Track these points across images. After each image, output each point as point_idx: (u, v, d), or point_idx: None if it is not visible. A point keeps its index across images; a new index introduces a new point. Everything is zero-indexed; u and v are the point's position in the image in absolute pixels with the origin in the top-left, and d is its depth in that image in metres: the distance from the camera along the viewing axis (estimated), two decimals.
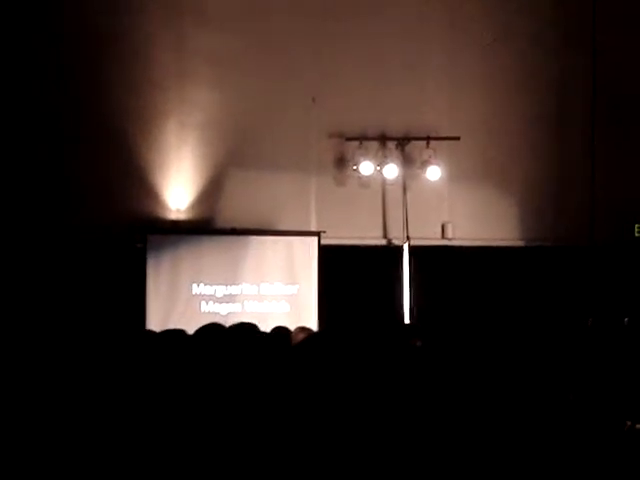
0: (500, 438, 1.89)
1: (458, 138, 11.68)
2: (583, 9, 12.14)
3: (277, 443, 2.19)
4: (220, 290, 11.04)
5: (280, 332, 5.56)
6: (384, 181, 11.80)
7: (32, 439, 3.36)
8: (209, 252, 11.08)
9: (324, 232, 11.40)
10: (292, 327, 6.57)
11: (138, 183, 11.32)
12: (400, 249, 11.66)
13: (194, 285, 10.98)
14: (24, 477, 3.12)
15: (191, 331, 4.73)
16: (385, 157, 11.70)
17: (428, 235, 11.85)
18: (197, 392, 3.44)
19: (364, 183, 11.83)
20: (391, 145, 11.77)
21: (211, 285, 11.02)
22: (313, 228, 11.66)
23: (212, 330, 4.15)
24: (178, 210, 11.49)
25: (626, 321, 10.27)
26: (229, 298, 11.03)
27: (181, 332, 4.57)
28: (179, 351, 4.06)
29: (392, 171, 11.62)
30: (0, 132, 11.03)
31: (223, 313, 10.76)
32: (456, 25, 11.96)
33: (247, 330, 4.15)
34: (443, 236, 12.04)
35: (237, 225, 11.34)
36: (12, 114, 11.06)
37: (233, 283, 11.06)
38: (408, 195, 11.76)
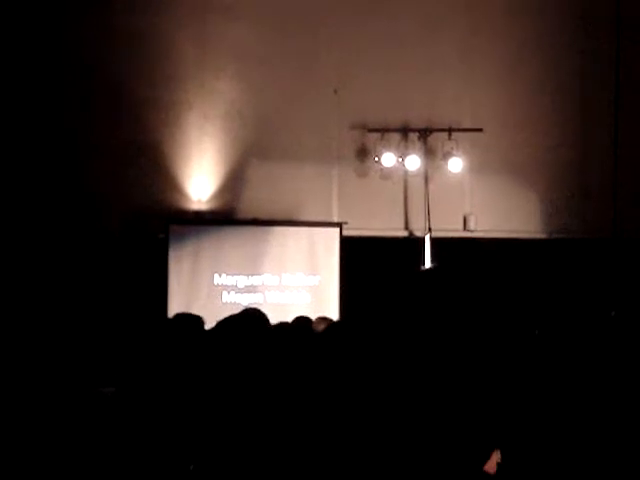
0: (516, 428, 1.90)
1: (481, 130, 11.63)
2: None
3: (297, 429, 2.20)
4: (242, 281, 11.07)
5: (301, 322, 5.57)
6: (406, 172, 11.78)
7: (49, 417, 3.39)
8: (231, 242, 11.11)
9: (346, 223, 11.40)
10: (313, 318, 6.58)
11: (160, 174, 11.37)
12: (422, 241, 11.63)
13: (216, 275, 11.02)
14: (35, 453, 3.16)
15: (212, 321, 4.75)
16: (407, 148, 11.67)
17: (450, 227, 11.82)
18: (216, 382, 3.45)
19: (386, 174, 11.81)
20: (413, 136, 11.73)
21: (233, 275, 11.05)
22: (335, 219, 11.66)
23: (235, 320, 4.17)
24: (200, 201, 11.52)
25: None
26: (251, 288, 11.06)
27: (197, 319, 4.58)
28: (197, 339, 4.08)
29: (414, 163, 11.59)
30: (28, 125, 11.11)
31: (244, 304, 10.78)
32: (478, 16, 11.90)
33: (263, 319, 4.15)
34: (465, 228, 12.00)
35: (259, 216, 11.36)
36: (40, 107, 11.13)
37: (255, 273, 11.09)
38: (430, 187, 11.73)
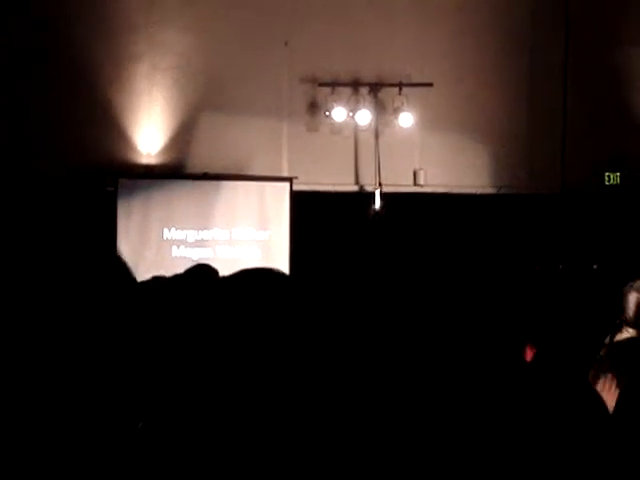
0: (459, 394, 1.88)
1: (431, 84, 11.63)
2: None
3: (247, 388, 2.19)
4: (191, 235, 11.03)
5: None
6: (356, 127, 11.76)
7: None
8: (180, 197, 11.04)
9: (296, 178, 11.38)
10: None
11: (109, 126, 11.23)
12: (372, 195, 11.66)
13: (165, 230, 10.96)
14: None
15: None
16: (357, 103, 11.65)
17: (400, 182, 11.85)
18: (164, 338, 3.43)
19: (336, 129, 11.78)
20: (364, 91, 11.71)
21: (182, 230, 11.00)
22: (285, 174, 11.63)
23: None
24: (149, 154, 11.41)
25: (595, 267, 10.38)
26: (200, 243, 11.03)
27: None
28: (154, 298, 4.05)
29: (364, 117, 11.59)
30: None
31: (194, 258, 10.74)
32: None
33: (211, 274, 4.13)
34: (415, 183, 12.04)
35: (209, 170, 11.29)
36: None
37: (205, 228, 11.05)
38: (380, 142, 11.74)
